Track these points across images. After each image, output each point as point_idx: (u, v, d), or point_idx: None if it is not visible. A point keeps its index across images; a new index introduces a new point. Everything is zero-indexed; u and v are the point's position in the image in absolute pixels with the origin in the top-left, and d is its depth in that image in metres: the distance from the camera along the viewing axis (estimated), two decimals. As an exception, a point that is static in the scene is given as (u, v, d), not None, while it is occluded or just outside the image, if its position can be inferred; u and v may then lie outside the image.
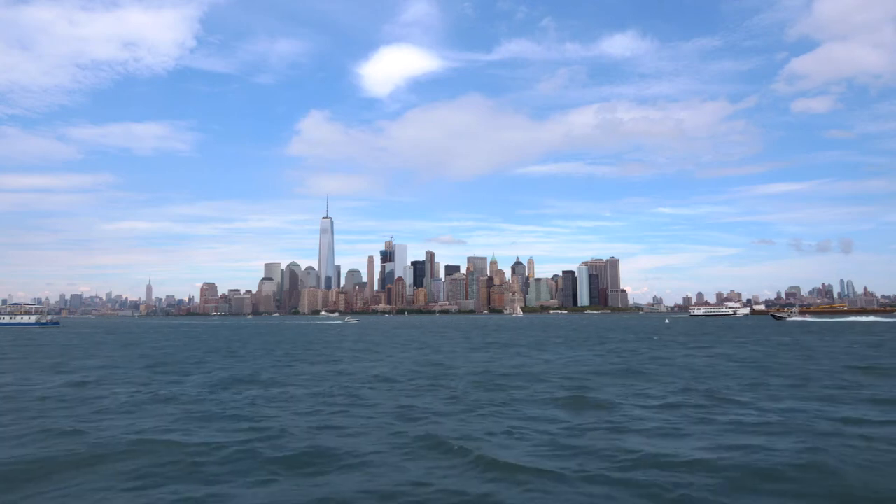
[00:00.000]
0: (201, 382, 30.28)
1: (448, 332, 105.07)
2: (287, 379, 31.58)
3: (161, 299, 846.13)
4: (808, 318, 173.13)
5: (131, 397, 25.18)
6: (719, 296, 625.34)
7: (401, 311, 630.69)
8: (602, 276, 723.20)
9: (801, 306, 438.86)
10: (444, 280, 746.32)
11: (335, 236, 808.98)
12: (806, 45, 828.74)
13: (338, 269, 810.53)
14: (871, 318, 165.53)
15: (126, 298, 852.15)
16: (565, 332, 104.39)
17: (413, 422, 19.44)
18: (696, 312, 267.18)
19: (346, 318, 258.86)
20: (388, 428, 18.40)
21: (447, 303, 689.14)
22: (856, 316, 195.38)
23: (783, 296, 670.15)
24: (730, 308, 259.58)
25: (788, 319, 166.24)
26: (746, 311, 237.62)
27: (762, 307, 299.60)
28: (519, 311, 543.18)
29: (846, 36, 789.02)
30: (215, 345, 68.05)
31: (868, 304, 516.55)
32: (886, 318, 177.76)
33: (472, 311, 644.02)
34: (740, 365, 37.61)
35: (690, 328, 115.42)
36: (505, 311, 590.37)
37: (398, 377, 32.14)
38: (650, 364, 38.87)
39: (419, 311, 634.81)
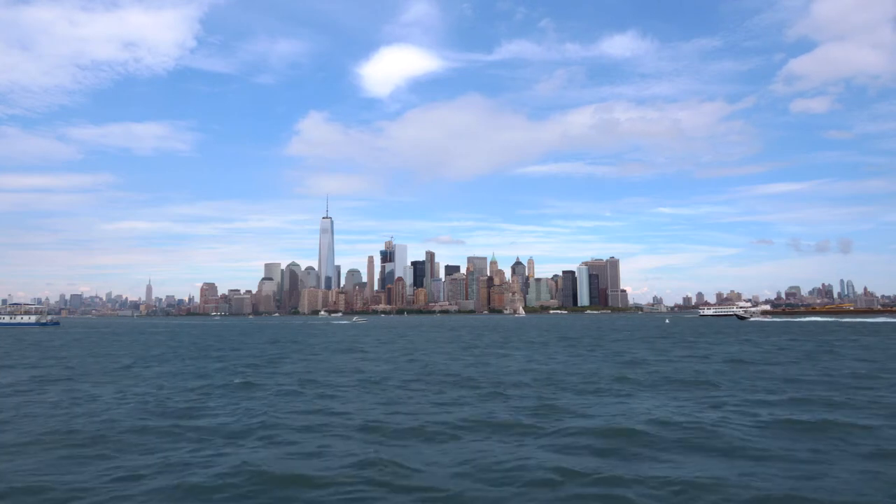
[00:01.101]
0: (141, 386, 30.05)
1: (439, 333, 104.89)
2: (228, 379, 31.30)
3: (161, 299, 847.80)
4: (768, 319, 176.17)
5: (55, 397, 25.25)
6: (719, 296, 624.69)
7: (400, 312, 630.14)
8: (602, 276, 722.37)
9: (803, 306, 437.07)
10: (444, 280, 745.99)
11: (335, 236, 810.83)
12: (804, 46, 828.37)
13: (338, 269, 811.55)
14: (828, 318, 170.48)
15: (126, 298, 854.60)
16: (562, 332, 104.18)
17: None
18: (706, 312, 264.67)
19: (354, 319, 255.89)
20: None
21: (447, 303, 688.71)
22: (822, 316, 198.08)
23: (783, 296, 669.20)
24: (740, 308, 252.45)
25: (750, 319, 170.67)
26: (758, 310, 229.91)
27: (767, 307, 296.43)
28: (521, 311, 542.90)
29: (844, 36, 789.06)
30: (195, 346, 67.94)
31: (868, 304, 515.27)
32: (841, 317, 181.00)
33: (472, 311, 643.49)
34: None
35: (690, 328, 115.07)
36: (505, 311, 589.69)
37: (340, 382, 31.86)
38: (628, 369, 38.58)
39: (419, 311, 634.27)
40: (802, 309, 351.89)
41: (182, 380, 30.82)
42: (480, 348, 56.69)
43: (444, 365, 38.50)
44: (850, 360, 38.91)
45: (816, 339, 67.87)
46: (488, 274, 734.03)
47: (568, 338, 76.17)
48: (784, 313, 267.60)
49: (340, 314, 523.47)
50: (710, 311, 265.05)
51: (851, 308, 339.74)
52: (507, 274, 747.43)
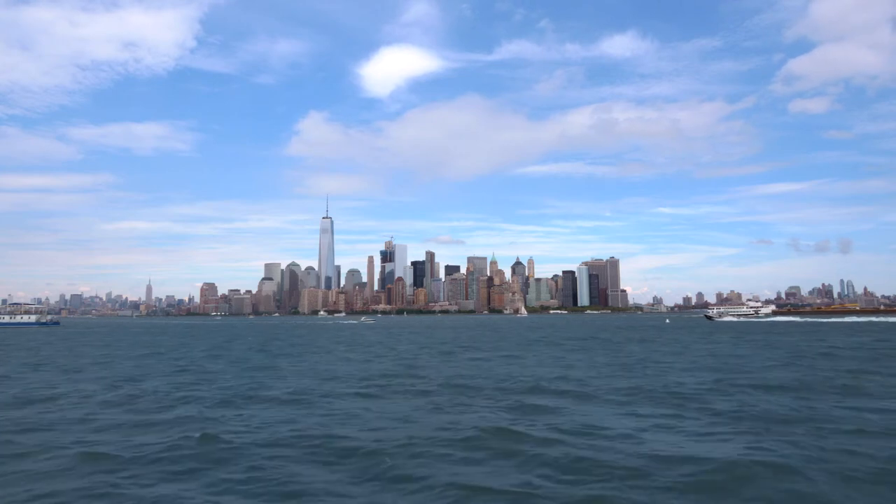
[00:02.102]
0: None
1: (425, 333, 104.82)
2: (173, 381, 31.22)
3: (161, 299, 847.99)
4: (734, 319, 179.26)
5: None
6: (719, 296, 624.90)
7: (400, 312, 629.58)
8: (602, 276, 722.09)
9: (807, 307, 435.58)
10: (444, 280, 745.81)
11: (335, 236, 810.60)
12: (803, 46, 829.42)
13: (338, 269, 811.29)
14: (792, 318, 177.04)
15: (126, 298, 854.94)
16: (557, 332, 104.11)
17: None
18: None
19: (363, 319, 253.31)
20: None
21: (447, 303, 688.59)
22: (826, 316, 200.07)
23: (783, 296, 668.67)
24: (751, 308, 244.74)
25: (717, 320, 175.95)
26: (769, 310, 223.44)
27: (773, 307, 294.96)
28: (523, 310, 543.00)
29: (843, 37, 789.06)
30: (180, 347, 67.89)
31: (868, 304, 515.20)
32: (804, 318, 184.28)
33: (472, 312, 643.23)
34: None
35: (691, 328, 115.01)
36: (505, 311, 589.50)
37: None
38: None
39: (419, 311, 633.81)
40: (807, 309, 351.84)
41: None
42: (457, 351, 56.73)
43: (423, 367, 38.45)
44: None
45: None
46: (488, 274, 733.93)
47: (562, 337, 76.24)
48: (789, 313, 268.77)
49: (343, 314, 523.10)
50: (719, 311, 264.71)
51: (857, 308, 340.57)
52: (507, 274, 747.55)
